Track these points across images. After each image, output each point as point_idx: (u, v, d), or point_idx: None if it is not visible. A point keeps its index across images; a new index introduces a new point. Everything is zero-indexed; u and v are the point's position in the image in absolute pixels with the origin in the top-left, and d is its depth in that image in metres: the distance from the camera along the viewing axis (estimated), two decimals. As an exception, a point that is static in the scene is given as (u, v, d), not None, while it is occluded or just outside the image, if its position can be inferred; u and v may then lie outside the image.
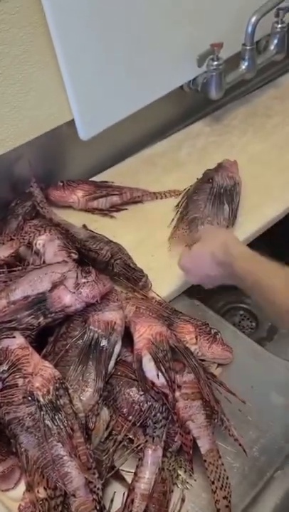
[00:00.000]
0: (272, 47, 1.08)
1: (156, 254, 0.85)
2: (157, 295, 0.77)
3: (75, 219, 0.89)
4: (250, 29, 0.98)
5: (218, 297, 1.13)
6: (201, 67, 0.99)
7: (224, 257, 0.66)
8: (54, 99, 0.83)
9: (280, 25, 1.05)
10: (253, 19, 0.97)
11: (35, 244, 0.74)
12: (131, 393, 0.62)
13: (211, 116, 1.14)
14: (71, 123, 0.88)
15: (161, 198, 0.95)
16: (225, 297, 1.13)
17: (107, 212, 0.92)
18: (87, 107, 0.86)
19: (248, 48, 1.01)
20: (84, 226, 0.88)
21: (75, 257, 0.74)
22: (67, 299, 0.65)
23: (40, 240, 0.75)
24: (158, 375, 0.61)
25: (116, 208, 0.92)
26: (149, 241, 0.87)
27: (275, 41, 1.08)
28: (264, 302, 0.61)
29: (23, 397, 0.56)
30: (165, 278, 0.81)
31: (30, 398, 0.56)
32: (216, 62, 0.97)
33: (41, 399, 0.56)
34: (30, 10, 0.74)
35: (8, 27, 0.73)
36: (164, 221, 0.90)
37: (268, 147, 1.05)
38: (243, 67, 1.04)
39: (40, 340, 0.68)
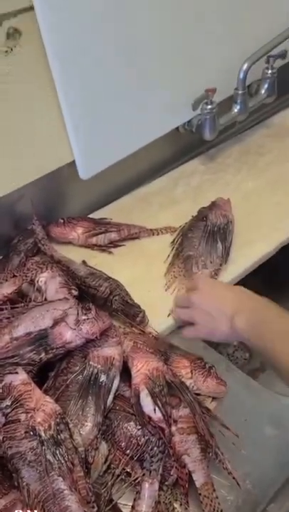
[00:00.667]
0: (263, 91, 1.14)
1: (152, 289, 0.88)
2: (154, 330, 0.80)
3: (74, 255, 0.92)
4: (242, 75, 1.04)
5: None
6: (196, 110, 1.04)
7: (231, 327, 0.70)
8: (56, 142, 0.88)
9: (270, 71, 1.11)
10: (245, 66, 1.02)
11: (38, 281, 0.78)
12: (129, 427, 0.64)
13: (205, 155, 1.19)
14: (71, 163, 0.92)
15: (158, 235, 0.99)
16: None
17: (105, 248, 0.95)
18: (88, 149, 0.91)
19: (240, 92, 1.06)
20: (83, 262, 0.91)
21: (76, 293, 0.77)
22: (68, 335, 0.68)
23: (42, 278, 0.78)
24: (155, 410, 0.63)
25: (114, 244, 0.96)
26: (145, 276, 0.91)
27: (266, 86, 1.13)
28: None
29: (25, 432, 0.58)
30: (161, 313, 0.84)
31: (32, 433, 0.58)
32: (209, 106, 1.02)
33: (43, 434, 0.58)
34: (35, 62, 0.79)
35: (14, 77, 0.78)
36: (160, 257, 0.93)
37: (261, 185, 1.10)
38: (236, 110, 1.09)
39: (41, 374, 0.70)
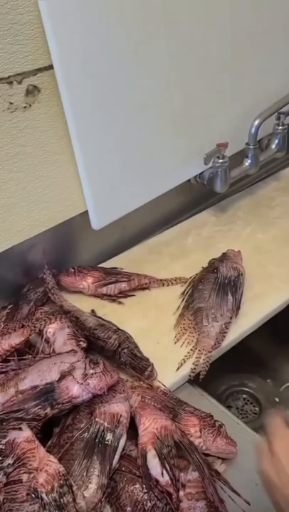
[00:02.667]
0: (273, 146, 1.16)
1: (161, 341, 0.87)
2: (162, 384, 0.78)
3: (84, 304, 0.91)
4: (253, 131, 1.06)
5: (220, 381, 1.14)
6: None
7: None
8: (70, 193, 0.89)
9: (280, 127, 1.14)
10: (256, 122, 1.05)
11: (46, 332, 0.77)
12: (134, 491, 0.61)
13: (216, 206, 1.20)
14: (84, 213, 0.94)
15: (168, 285, 0.98)
16: (227, 381, 1.14)
17: (115, 298, 0.95)
18: (101, 200, 0.92)
19: (251, 147, 1.08)
20: (92, 311, 0.90)
21: (84, 345, 0.76)
22: (75, 389, 0.66)
23: (51, 329, 0.77)
24: (162, 473, 0.60)
25: (124, 294, 0.95)
26: (155, 328, 0.89)
27: (276, 141, 1.16)
28: None
29: (27, 494, 0.56)
30: (170, 367, 0.82)
31: (34, 495, 0.56)
32: (221, 160, 1.04)
33: (45, 497, 0.55)
34: (52, 117, 0.81)
35: (32, 131, 0.80)
36: (170, 308, 0.92)
37: (271, 238, 1.10)
38: (247, 164, 1.11)
39: (45, 427, 0.68)
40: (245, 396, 1.13)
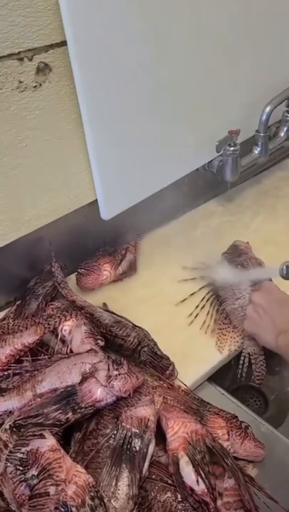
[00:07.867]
0: (282, 134, 1.13)
1: (178, 337, 0.83)
2: (183, 384, 0.74)
3: (94, 300, 0.86)
4: (264, 118, 1.01)
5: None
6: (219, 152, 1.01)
7: None
8: (80, 181, 0.84)
9: (290, 115, 1.10)
10: (268, 109, 1.01)
11: (61, 330, 0.71)
12: (167, 500, 0.57)
13: (223, 195, 1.16)
14: (92, 203, 0.88)
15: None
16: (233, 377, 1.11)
17: (129, 273, 0.93)
18: (111, 188, 0.87)
19: (261, 134, 1.04)
20: (104, 304, 0.86)
21: (102, 344, 0.71)
22: (99, 392, 0.61)
23: (67, 326, 0.71)
24: (198, 481, 0.56)
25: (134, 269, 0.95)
26: (170, 323, 0.85)
27: (285, 128, 1.12)
28: None
29: (55, 508, 0.51)
30: (188, 364, 0.78)
31: (63, 509, 0.51)
32: (232, 148, 1.00)
33: (75, 511, 0.51)
34: (64, 98, 0.75)
35: (42, 113, 0.74)
36: (185, 304, 0.88)
37: (281, 228, 1.07)
38: (256, 151, 1.07)
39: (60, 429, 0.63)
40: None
